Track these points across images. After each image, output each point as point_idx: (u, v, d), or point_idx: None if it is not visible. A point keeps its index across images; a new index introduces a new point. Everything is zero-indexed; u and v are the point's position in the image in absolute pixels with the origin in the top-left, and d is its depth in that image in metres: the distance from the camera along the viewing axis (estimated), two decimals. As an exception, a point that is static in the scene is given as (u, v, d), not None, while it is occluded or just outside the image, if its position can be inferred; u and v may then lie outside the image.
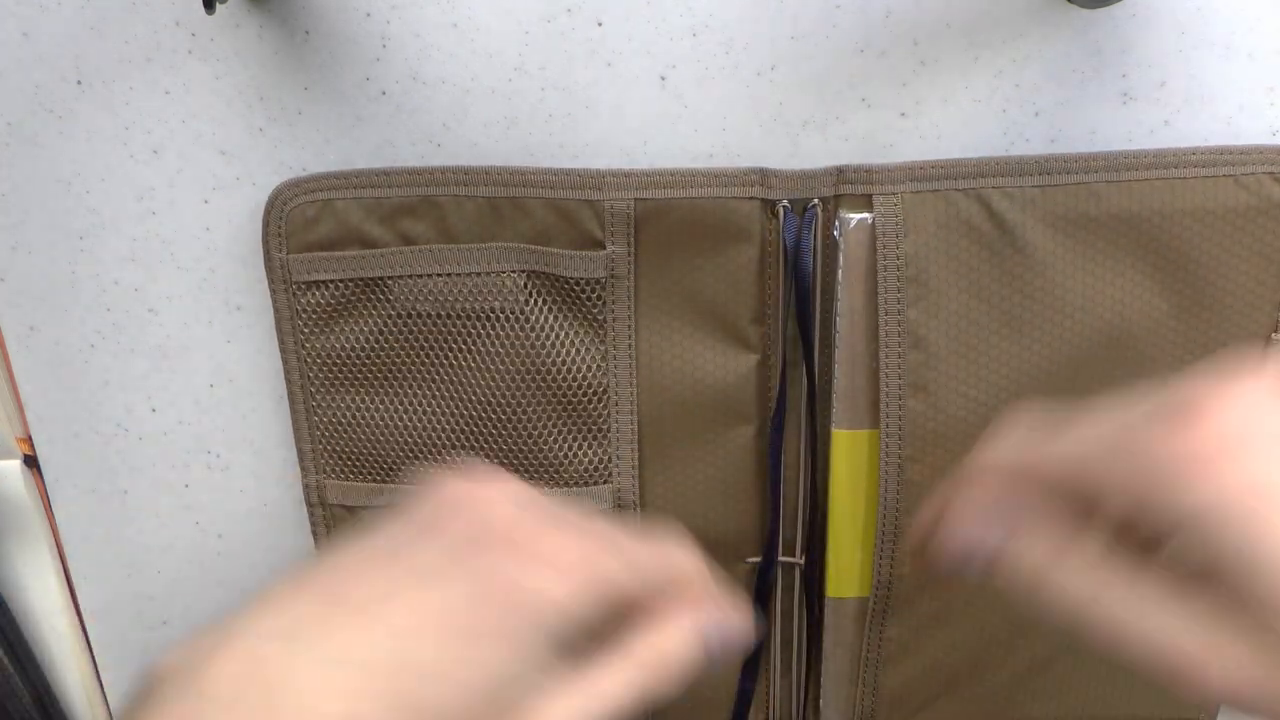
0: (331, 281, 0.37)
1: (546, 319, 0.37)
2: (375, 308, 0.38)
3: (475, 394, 0.38)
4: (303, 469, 0.40)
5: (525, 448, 0.39)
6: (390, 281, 0.37)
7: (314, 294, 0.38)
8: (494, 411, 0.38)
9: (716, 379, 0.38)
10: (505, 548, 0.24)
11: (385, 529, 0.25)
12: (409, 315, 0.37)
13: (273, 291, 0.38)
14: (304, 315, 0.38)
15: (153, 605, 0.45)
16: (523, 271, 0.37)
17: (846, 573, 0.40)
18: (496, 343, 0.37)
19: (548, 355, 0.37)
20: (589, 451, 0.39)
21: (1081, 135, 0.36)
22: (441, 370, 0.38)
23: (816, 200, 0.36)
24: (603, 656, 0.26)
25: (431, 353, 0.38)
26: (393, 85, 0.36)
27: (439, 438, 0.39)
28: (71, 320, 0.41)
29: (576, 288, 0.37)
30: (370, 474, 0.40)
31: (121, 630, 0.46)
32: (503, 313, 0.37)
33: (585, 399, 0.38)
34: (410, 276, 0.37)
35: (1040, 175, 0.35)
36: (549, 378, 0.38)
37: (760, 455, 0.39)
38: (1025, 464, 0.27)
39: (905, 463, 0.37)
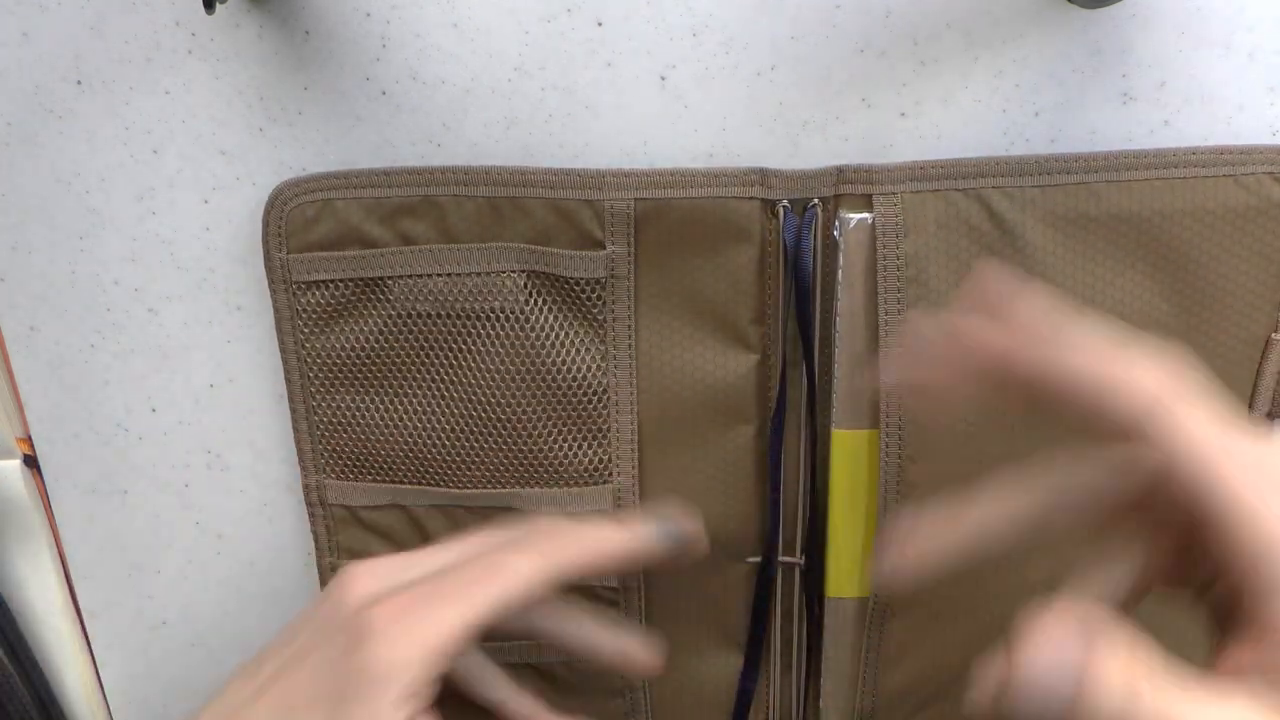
0: (331, 281, 0.37)
1: (546, 319, 0.37)
2: (375, 308, 0.38)
3: (475, 394, 0.38)
4: (303, 469, 0.40)
5: (525, 448, 0.39)
6: (390, 281, 0.37)
7: (314, 294, 0.38)
8: (494, 411, 0.38)
9: (716, 379, 0.38)
10: (344, 634, 0.29)
11: (289, 628, 0.32)
12: (409, 315, 0.38)
13: (273, 291, 0.38)
14: (304, 315, 0.38)
15: (153, 605, 0.46)
16: (523, 271, 0.37)
17: (846, 573, 0.40)
18: (496, 343, 0.37)
19: (548, 355, 0.37)
20: (589, 451, 0.39)
21: (1081, 135, 0.36)
22: (441, 370, 0.38)
23: (816, 200, 0.36)
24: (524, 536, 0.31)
25: (431, 353, 0.38)
26: (393, 85, 0.36)
27: (439, 437, 0.39)
28: (71, 320, 0.41)
29: (576, 288, 0.37)
30: (370, 474, 0.40)
31: (121, 630, 0.46)
32: (503, 313, 0.37)
33: (585, 399, 0.38)
34: (410, 276, 0.37)
35: (1040, 175, 0.35)
36: (549, 378, 0.38)
37: (760, 455, 0.39)
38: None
39: (905, 463, 0.37)
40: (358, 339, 0.38)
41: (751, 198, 0.36)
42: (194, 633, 0.46)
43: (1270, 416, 0.39)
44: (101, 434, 0.43)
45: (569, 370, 0.38)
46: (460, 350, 0.38)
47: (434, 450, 0.39)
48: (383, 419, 0.39)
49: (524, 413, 0.38)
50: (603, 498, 0.39)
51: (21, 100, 0.38)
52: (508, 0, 0.35)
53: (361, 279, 0.37)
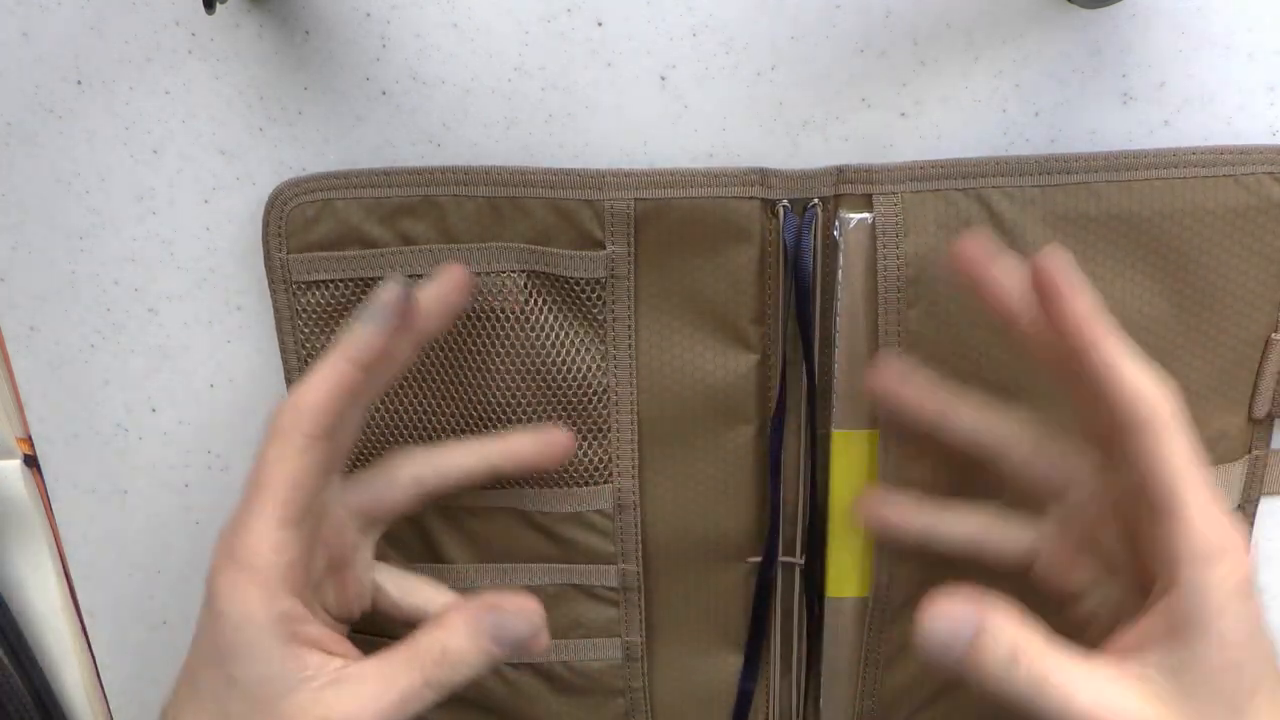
0: (331, 281, 0.37)
1: (546, 319, 0.37)
2: (375, 308, 0.38)
3: (475, 393, 0.38)
4: (303, 469, 0.40)
5: (525, 448, 0.39)
6: (390, 281, 0.37)
7: (314, 294, 0.38)
8: (494, 411, 0.38)
9: (716, 379, 0.38)
10: None
11: None
12: (409, 315, 0.38)
13: (273, 291, 0.38)
14: (304, 315, 0.38)
15: (153, 605, 0.45)
16: (523, 271, 0.37)
17: (846, 573, 0.40)
18: (497, 343, 0.37)
19: (548, 355, 0.37)
20: (589, 451, 0.39)
21: (1081, 135, 0.36)
22: (441, 370, 0.38)
23: (816, 200, 0.36)
24: (387, 651, 0.31)
25: (432, 352, 0.38)
26: (393, 85, 0.36)
27: (438, 437, 0.39)
28: (71, 320, 0.41)
29: (576, 288, 0.37)
30: (370, 474, 0.40)
31: (121, 630, 0.46)
32: (503, 313, 0.37)
33: (585, 399, 0.38)
34: (410, 276, 0.37)
35: (1040, 175, 0.35)
36: (549, 377, 0.38)
37: (760, 455, 0.39)
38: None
39: (905, 462, 0.37)
40: (358, 339, 0.38)
41: (751, 198, 0.36)
42: (194, 633, 0.46)
43: (1270, 416, 0.39)
44: (101, 434, 0.43)
45: (569, 370, 0.38)
46: (461, 350, 0.38)
47: (434, 450, 0.39)
48: (382, 418, 0.39)
49: (524, 412, 0.38)
50: (603, 497, 0.39)
51: (21, 100, 0.38)
52: (508, 0, 0.35)
53: (362, 279, 0.37)
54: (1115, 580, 0.32)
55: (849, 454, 0.38)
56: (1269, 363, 0.37)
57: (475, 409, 0.38)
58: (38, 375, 0.42)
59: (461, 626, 0.31)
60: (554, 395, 0.38)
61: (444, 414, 0.39)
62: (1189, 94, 0.36)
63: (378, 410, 0.39)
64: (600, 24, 0.35)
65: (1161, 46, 0.35)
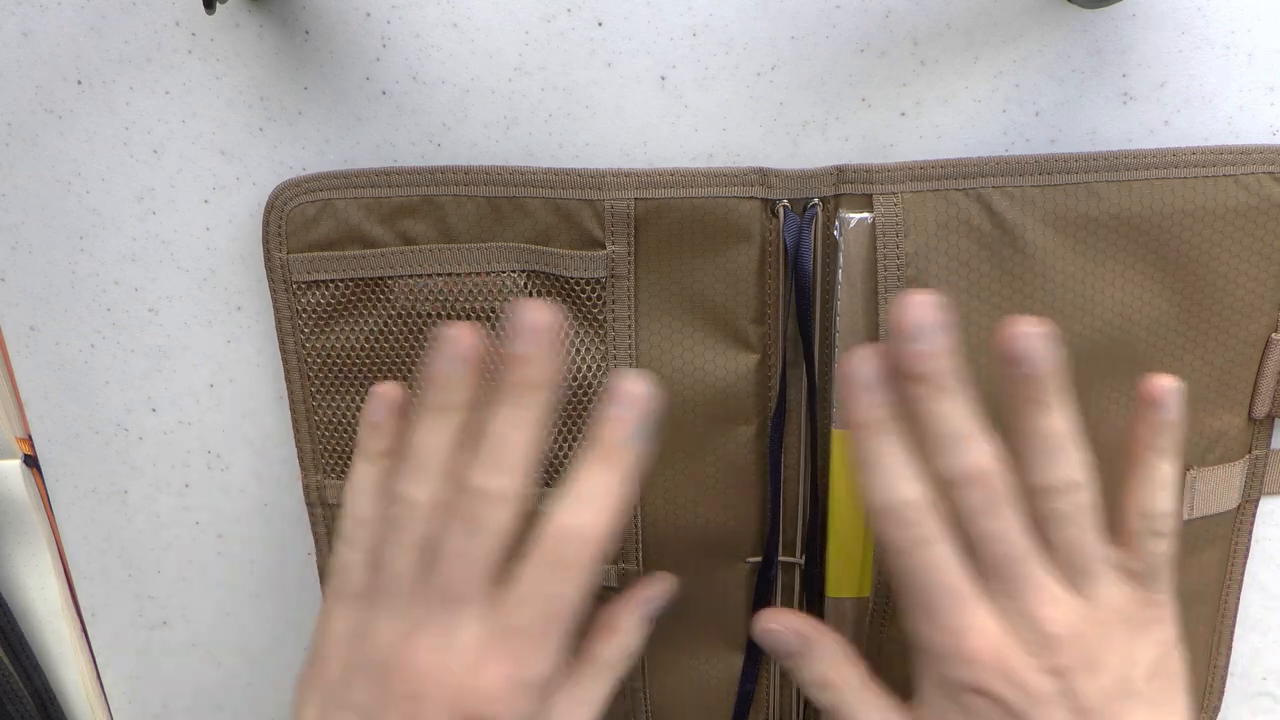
0: (332, 281, 0.37)
1: (546, 319, 0.37)
2: (375, 307, 0.38)
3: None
4: (303, 469, 0.40)
5: (525, 448, 0.39)
6: (390, 281, 0.37)
7: (314, 294, 0.38)
8: (494, 411, 0.38)
9: (716, 379, 0.38)
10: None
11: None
12: (409, 315, 0.38)
13: (273, 291, 0.38)
14: (304, 315, 0.38)
15: (153, 605, 0.46)
16: (523, 271, 0.37)
17: (846, 573, 0.40)
18: (496, 343, 0.37)
19: (548, 355, 0.37)
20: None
21: (1081, 135, 0.36)
22: (441, 370, 0.38)
23: (817, 200, 0.36)
24: (575, 672, 0.33)
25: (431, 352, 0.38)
26: (393, 85, 0.36)
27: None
28: (71, 320, 0.41)
29: (576, 287, 0.37)
30: (370, 474, 0.40)
31: (121, 630, 0.46)
32: (503, 313, 0.37)
33: (585, 399, 0.38)
34: (410, 276, 0.37)
35: (1040, 175, 0.35)
36: (549, 378, 0.38)
37: (760, 455, 0.39)
38: None
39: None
40: (358, 339, 0.38)
41: (752, 198, 0.36)
42: (194, 633, 0.46)
43: (1270, 416, 0.39)
44: (101, 434, 0.43)
45: (569, 370, 0.38)
46: (460, 350, 0.38)
47: (434, 450, 0.39)
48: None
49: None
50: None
51: (21, 100, 0.38)
52: (508, 0, 0.35)
53: (362, 279, 0.37)
54: None
55: (849, 454, 0.38)
56: (1269, 363, 0.37)
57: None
58: (38, 375, 0.42)
59: (633, 626, 0.35)
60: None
61: (444, 414, 0.39)
62: (1189, 94, 0.36)
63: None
64: (600, 24, 0.35)
65: (1161, 46, 0.35)
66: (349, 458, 0.40)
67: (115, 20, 0.36)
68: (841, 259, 0.36)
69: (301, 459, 0.40)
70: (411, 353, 0.38)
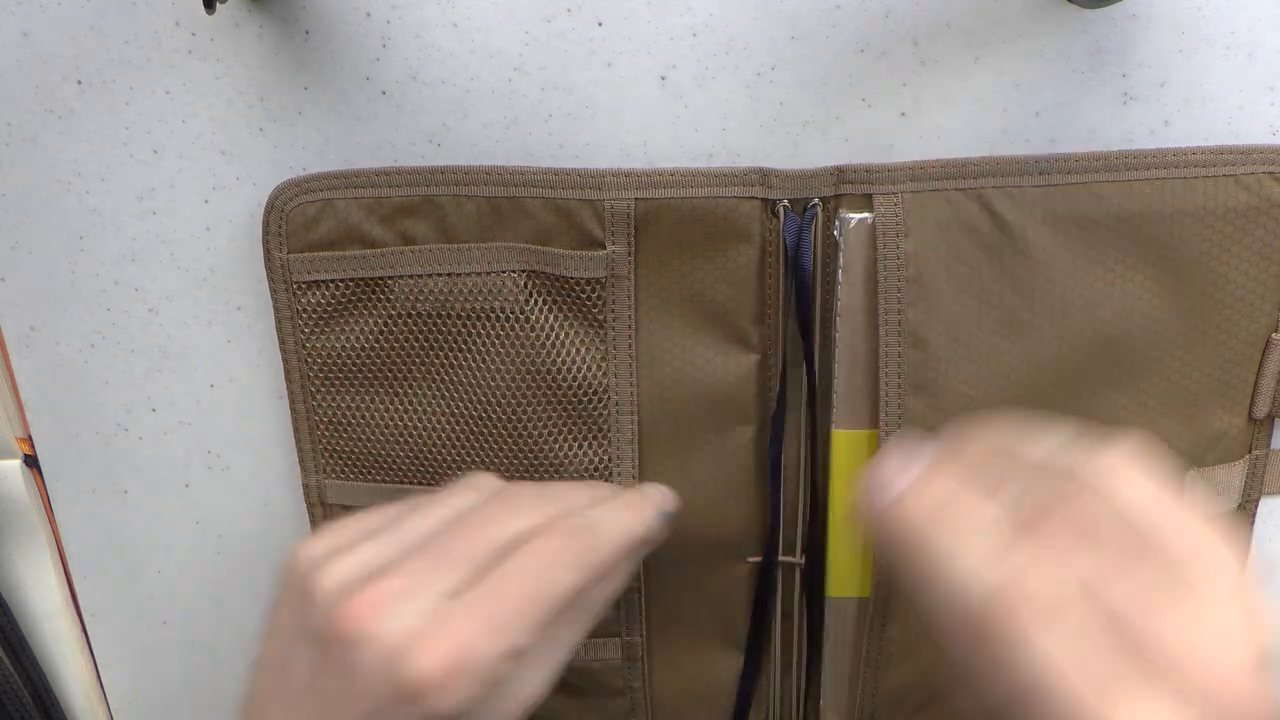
0: (332, 281, 0.37)
1: (547, 319, 0.37)
2: (376, 308, 0.38)
3: (475, 394, 0.38)
4: (303, 469, 0.40)
5: (525, 447, 0.39)
6: (390, 281, 0.37)
7: (314, 294, 0.38)
8: (494, 411, 0.38)
9: (717, 379, 0.38)
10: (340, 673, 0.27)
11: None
12: (409, 315, 0.38)
13: (273, 291, 0.38)
14: (304, 315, 0.38)
15: (153, 605, 0.46)
16: (523, 271, 0.37)
17: (846, 573, 0.40)
18: (497, 343, 0.37)
19: (548, 355, 0.37)
20: (589, 451, 0.39)
21: (1081, 135, 0.36)
22: (442, 370, 0.38)
23: (817, 200, 0.36)
24: (600, 504, 0.32)
25: (432, 353, 0.38)
26: (393, 85, 0.36)
27: (439, 437, 0.39)
28: (71, 320, 0.41)
29: (577, 287, 0.37)
30: (370, 474, 0.40)
31: (121, 630, 0.46)
32: (503, 313, 0.37)
33: (585, 399, 0.38)
34: (410, 276, 0.37)
35: (1041, 175, 0.35)
36: (549, 378, 0.38)
37: (760, 455, 0.39)
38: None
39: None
40: (358, 339, 0.38)
41: (752, 197, 0.36)
42: (194, 633, 0.46)
43: (1270, 416, 0.39)
44: (101, 434, 0.43)
45: (569, 370, 0.38)
46: (460, 350, 0.38)
47: (434, 450, 0.39)
48: (383, 419, 0.39)
49: (524, 413, 0.38)
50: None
51: (21, 100, 0.38)
52: (508, 0, 0.35)
53: (362, 279, 0.37)
54: None
55: (849, 454, 0.38)
56: (1269, 363, 0.37)
57: (475, 409, 0.38)
58: (38, 375, 0.42)
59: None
60: (554, 395, 0.38)
61: (444, 414, 0.39)
62: (1189, 94, 0.36)
63: (378, 410, 0.39)
64: (600, 24, 0.35)
65: (1161, 46, 0.35)
66: (349, 458, 0.40)
67: (115, 20, 0.36)
68: (842, 259, 0.36)
69: (301, 459, 0.40)
70: (412, 353, 0.38)
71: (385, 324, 0.38)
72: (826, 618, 0.41)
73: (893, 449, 0.30)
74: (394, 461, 0.40)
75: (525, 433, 0.38)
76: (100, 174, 0.38)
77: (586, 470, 0.39)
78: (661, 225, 0.36)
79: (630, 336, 0.37)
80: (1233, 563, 0.24)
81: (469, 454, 0.39)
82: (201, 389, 0.41)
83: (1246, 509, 0.41)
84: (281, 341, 0.39)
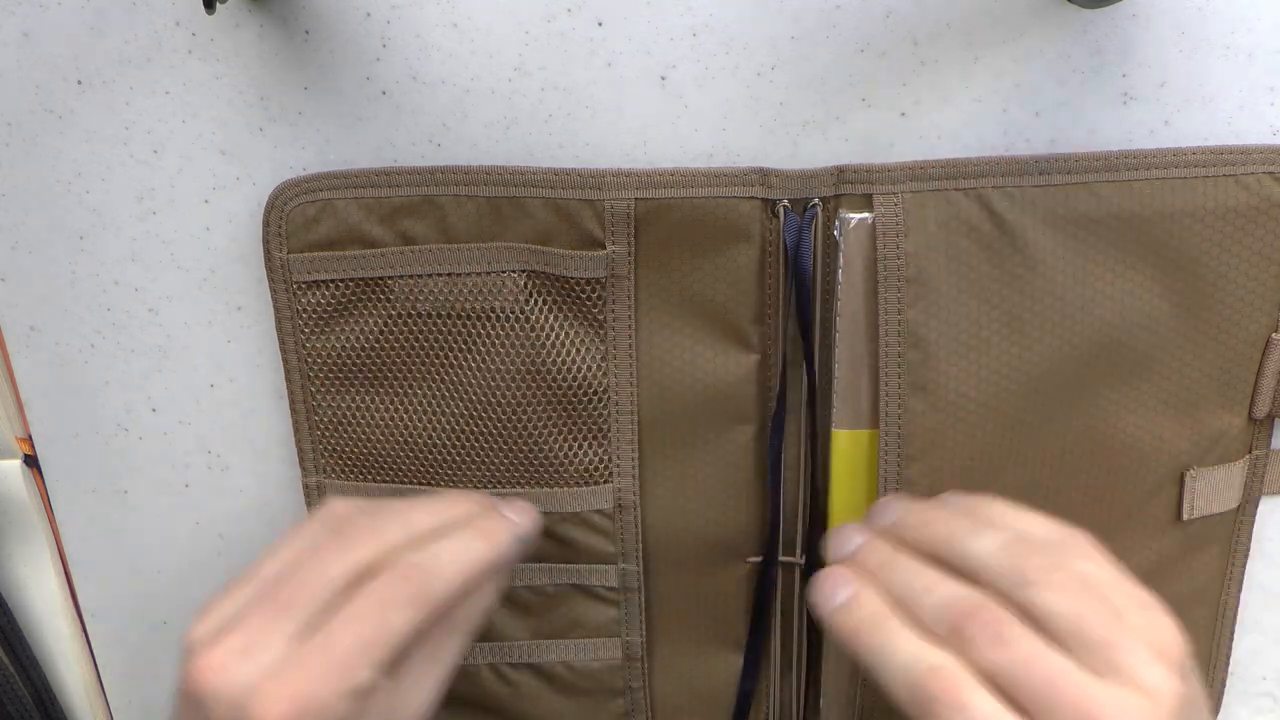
0: (332, 281, 0.37)
1: (547, 319, 0.37)
2: (376, 307, 0.38)
3: (475, 394, 0.38)
4: (303, 469, 0.40)
5: (525, 447, 0.39)
6: (391, 281, 0.37)
7: (314, 294, 0.38)
8: (494, 411, 0.38)
9: (717, 378, 0.38)
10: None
11: None
12: (409, 315, 0.38)
13: (273, 291, 0.38)
14: (304, 315, 0.38)
15: (153, 605, 0.45)
16: (523, 271, 0.37)
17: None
18: (497, 343, 0.37)
19: (548, 355, 0.37)
20: (589, 451, 0.39)
21: (1081, 135, 0.36)
22: (442, 370, 0.38)
23: (817, 200, 0.36)
24: (447, 531, 0.32)
25: (432, 353, 0.38)
26: (393, 85, 0.36)
27: (439, 437, 0.39)
28: (71, 320, 0.41)
29: (577, 287, 0.37)
30: (370, 473, 0.40)
31: (121, 630, 0.46)
32: (503, 313, 0.37)
33: (585, 399, 0.38)
34: (410, 276, 0.37)
35: (1041, 175, 0.35)
36: (549, 378, 0.38)
37: (760, 455, 0.39)
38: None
39: (905, 462, 0.37)
40: (358, 339, 0.38)
41: (752, 197, 0.36)
42: (194, 633, 0.46)
43: (1270, 416, 0.39)
44: (101, 434, 0.43)
45: (569, 370, 0.38)
46: (460, 350, 0.38)
47: (434, 450, 0.39)
48: (383, 419, 0.39)
49: (524, 412, 0.38)
50: (603, 498, 0.39)
51: (21, 100, 0.38)
52: (508, 0, 0.35)
53: (362, 279, 0.37)
54: None
55: (849, 454, 0.38)
56: (1269, 363, 0.37)
57: (475, 409, 0.38)
58: (38, 375, 0.42)
59: (490, 587, 0.33)
60: (554, 395, 0.38)
61: (444, 414, 0.39)
62: (1189, 94, 0.36)
63: (378, 410, 0.39)
64: (600, 24, 0.35)
65: (1161, 46, 0.35)
66: (349, 457, 0.40)
67: (115, 20, 0.36)
68: (841, 259, 0.36)
69: (302, 459, 0.40)
70: (412, 353, 0.38)
71: (385, 324, 0.38)
72: (826, 618, 0.41)
73: (835, 540, 0.34)
74: (394, 461, 0.40)
75: (525, 433, 0.38)
76: (100, 174, 0.38)
77: (586, 470, 0.39)
78: (661, 225, 0.36)
79: (630, 336, 0.37)
80: (1149, 658, 0.28)
81: (468, 454, 0.39)
82: (201, 389, 0.41)
83: (1246, 509, 0.41)
84: (281, 341, 0.39)
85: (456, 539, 0.32)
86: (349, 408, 0.39)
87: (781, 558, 0.40)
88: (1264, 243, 0.36)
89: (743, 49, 0.35)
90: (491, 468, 0.39)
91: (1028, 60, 0.35)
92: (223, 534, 0.44)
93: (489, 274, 0.37)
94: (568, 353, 0.37)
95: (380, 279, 0.37)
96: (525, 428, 0.38)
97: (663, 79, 0.36)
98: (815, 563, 0.40)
